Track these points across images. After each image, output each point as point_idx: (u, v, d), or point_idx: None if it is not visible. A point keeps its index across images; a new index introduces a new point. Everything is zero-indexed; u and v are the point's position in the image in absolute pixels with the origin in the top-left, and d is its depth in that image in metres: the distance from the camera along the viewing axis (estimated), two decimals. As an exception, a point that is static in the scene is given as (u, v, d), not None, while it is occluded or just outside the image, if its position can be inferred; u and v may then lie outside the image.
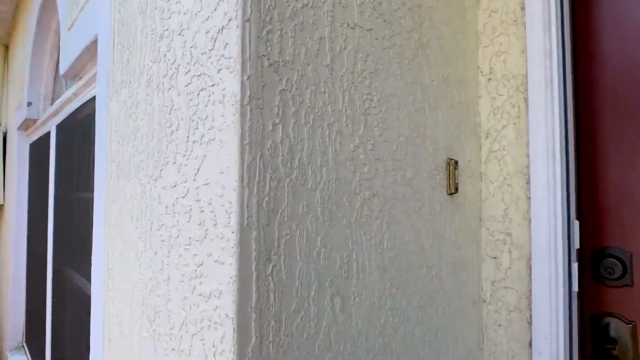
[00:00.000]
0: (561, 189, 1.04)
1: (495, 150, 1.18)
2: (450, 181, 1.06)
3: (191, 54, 0.70)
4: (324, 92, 0.72)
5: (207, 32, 0.66)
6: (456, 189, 1.07)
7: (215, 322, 0.60)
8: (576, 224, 1.07)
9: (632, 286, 1.14)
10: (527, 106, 1.11)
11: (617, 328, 1.17)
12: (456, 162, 1.07)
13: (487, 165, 1.20)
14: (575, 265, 1.06)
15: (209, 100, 0.64)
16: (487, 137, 1.20)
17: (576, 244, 1.06)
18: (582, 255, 1.21)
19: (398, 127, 0.91)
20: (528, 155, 1.11)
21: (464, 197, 1.13)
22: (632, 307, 1.16)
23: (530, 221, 1.10)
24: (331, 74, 0.74)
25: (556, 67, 1.05)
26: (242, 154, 0.58)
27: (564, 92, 1.07)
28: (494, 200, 1.18)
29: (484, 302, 1.19)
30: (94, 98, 1.39)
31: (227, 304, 0.57)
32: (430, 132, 1.02)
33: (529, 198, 1.10)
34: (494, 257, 1.17)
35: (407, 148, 0.94)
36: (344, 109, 0.76)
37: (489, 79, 1.20)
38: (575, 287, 1.06)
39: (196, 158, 0.67)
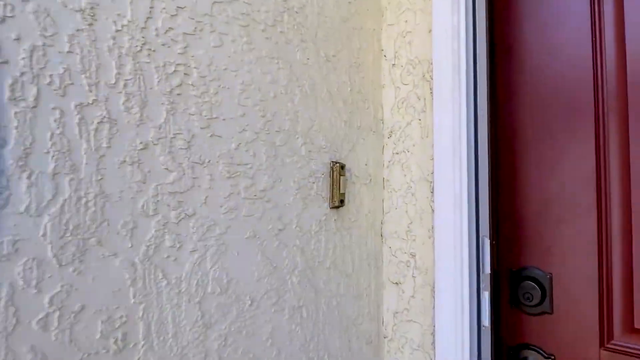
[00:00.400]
0: (468, 201, 0.83)
1: (399, 152, 0.96)
2: (335, 191, 0.82)
3: None
4: (71, 52, 0.44)
5: None
6: (342, 201, 0.83)
7: None
8: (486, 244, 0.87)
9: (551, 314, 0.96)
10: (433, 98, 0.90)
11: (537, 362, 0.99)
12: (342, 167, 0.83)
13: (390, 170, 0.98)
14: (486, 295, 0.86)
15: None
16: (390, 136, 0.98)
17: (487, 268, 0.86)
18: (500, 276, 1.03)
19: (243, 117, 0.65)
20: (433, 159, 0.89)
21: (357, 211, 0.90)
22: (551, 338, 0.98)
23: (434, 240, 0.89)
24: (90, 25, 0.46)
25: (464, 51, 0.85)
26: None
27: (474, 81, 0.87)
28: (397, 213, 0.96)
29: (385, 338, 0.97)
30: None
31: None
32: (303, 127, 0.77)
33: (433, 211, 0.89)
34: (397, 283, 0.96)
35: (258, 147, 0.68)
36: (121, 83, 0.48)
37: (393, 65, 0.98)
38: (486, 322, 0.87)
39: None
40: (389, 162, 0.97)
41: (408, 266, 0.93)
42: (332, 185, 0.82)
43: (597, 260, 0.92)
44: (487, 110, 0.94)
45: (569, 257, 0.94)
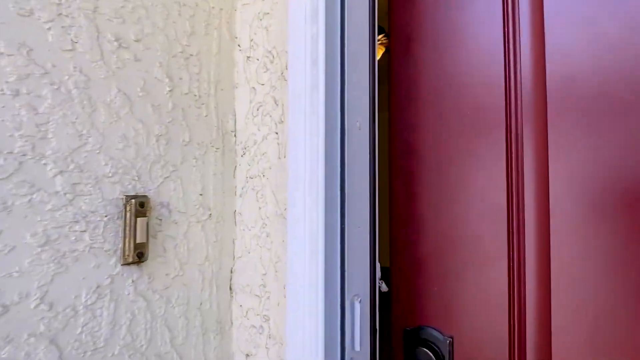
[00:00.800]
0: (326, 250, 0.59)
1: (254, 176, 0.71)
2: (129, 240, 0.56)
3: None
4: None
5: None
6: (140, 254, 0.57)
7: None
8: (357, 308, 0.63)
9: (454, 389, 0.74)
10: (289, 104, 0.65)
11: None
12: (142, 204, 0.57)
13: (243, 201, 0.73)
14: (354, 378, 0.63)
15: None
16: (244, 154, 0.73)
17: (357, 344, 0.62)
18: (393, 337, 0.81)
19: None
20: (287, 188, 0.65)
21: (183, 261, 0.63)
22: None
23: (287, 300, 0.64)
24: None
25: (323, 39, 0.60)
26: None
27: (342, 82, 0.63)
28: (250, 260, 0.71)
29: None
30: None
31: None
32: (59, 148, 0.49)
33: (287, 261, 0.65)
34: (248, 355, 0.71)
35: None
36: None
37: (248, 58, 0.73)
38: (356, 414, 0.63)
39: None
40: (243, 189, 0.72)
41: (261, 333, 0.68)
42: (126, 231, 0.55)
43: (507, 320, 0.71)
44: (370, 122, 0.70)
45: (474, 315, 0.72)
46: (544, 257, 0.67)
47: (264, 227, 0.69)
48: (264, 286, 0.68)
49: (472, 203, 0.72)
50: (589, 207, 0.60)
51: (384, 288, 0.77)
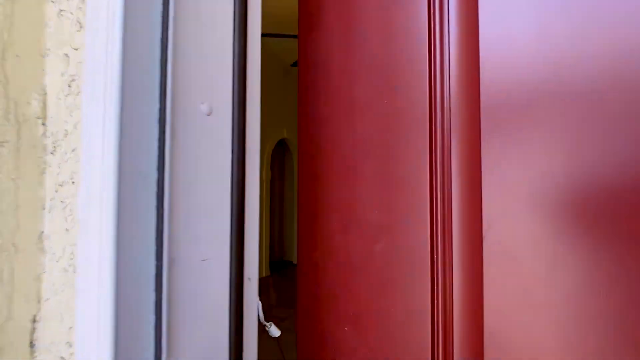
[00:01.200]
0: (116, 303, 0.37)
1: (63, 184, 0.49)
2: None
3: None
4: None
5: None
6: None
7: None
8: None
9: None
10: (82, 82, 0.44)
11: None
12: None
13: (52, 218, 0.51)
14: None
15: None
16: (54, 151, 0.51)
17: None
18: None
19: None
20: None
21: None
22: None
23: (82, 378, 0.43)
24: None
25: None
26: None
27: (164, 41, 0.42)
28: (59, 305, 0.49)
29: None
30: None
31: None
32: None
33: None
34: None
35: None
36: None
37: (61, 11, 0.51)
38: None
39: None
40: (52, 201, 0.50)
41: (66, 413, 0.47)
42: None
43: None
44: (235, 106, 0.48)
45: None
46: (475, 300, 0.46)
47: (71, 258, 0.47)
48: (70, 345, 0.46)
49: (390, 230, 0.51)
50: (533, 236, 0.39)
51: (274, 332, 0.56)
